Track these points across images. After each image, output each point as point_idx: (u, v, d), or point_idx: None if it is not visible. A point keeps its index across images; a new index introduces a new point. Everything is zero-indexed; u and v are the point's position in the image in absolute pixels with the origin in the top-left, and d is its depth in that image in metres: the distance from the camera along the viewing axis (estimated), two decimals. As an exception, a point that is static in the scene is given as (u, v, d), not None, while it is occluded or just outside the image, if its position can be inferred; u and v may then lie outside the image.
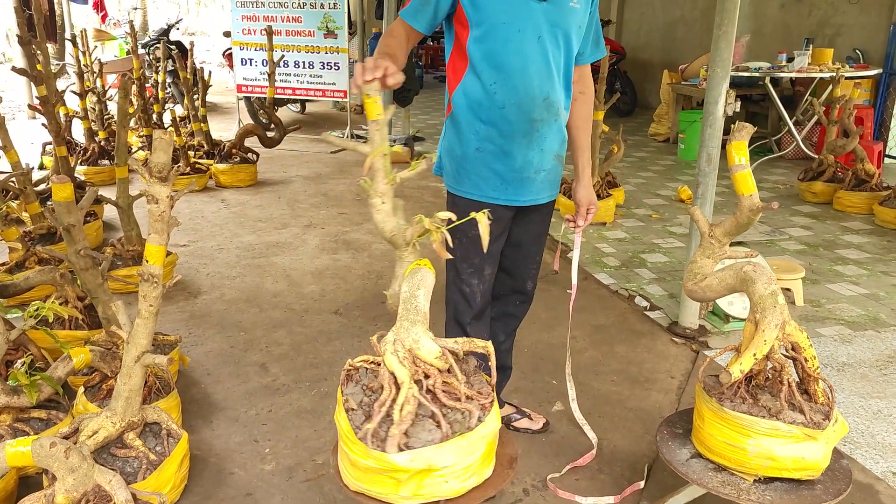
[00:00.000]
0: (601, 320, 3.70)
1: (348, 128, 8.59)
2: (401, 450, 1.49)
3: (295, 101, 10.24)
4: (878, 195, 5.46)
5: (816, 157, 6.18)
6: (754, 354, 1.77)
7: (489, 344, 1.70)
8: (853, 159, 5.73)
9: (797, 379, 1.87)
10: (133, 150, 6.53)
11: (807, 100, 6.98)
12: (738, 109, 3.26)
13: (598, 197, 5.02)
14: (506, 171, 2.17)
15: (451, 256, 1.86)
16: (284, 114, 10.31)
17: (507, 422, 2.68)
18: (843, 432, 1.84)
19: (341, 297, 3.94)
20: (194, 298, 3.90)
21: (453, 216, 1.65)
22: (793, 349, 1.84)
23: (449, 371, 1.62)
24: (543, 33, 2.06)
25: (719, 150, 3.34)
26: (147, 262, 2.09)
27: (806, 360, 1.79)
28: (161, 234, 2.08)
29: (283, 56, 6.67)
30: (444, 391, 1.59)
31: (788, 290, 3.90)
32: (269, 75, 6.55)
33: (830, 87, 6.44)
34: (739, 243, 3.59)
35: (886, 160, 7.22)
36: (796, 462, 1.77)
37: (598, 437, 2.64)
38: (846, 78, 6.44)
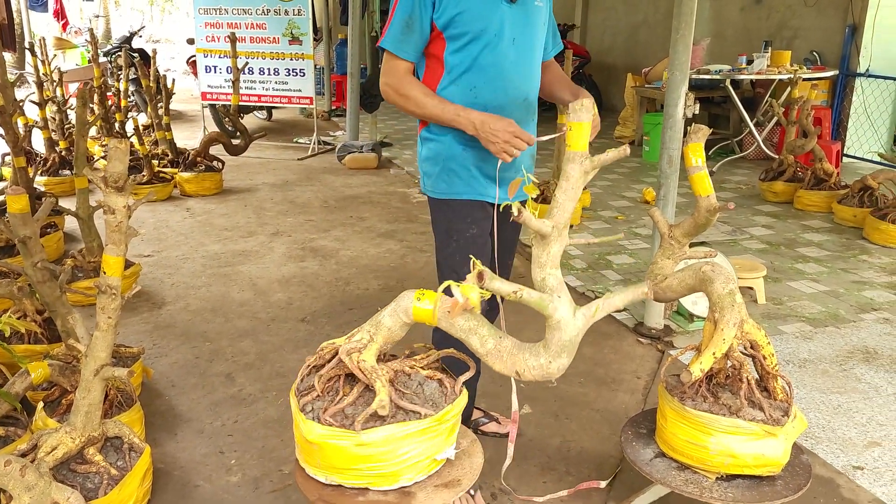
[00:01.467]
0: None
1: (315, 135, 8.55)
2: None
3: (261, 108, 10.17)
4: (836, 194, 5.57)
5: (777, 157, 6.30)
6: (714, 353, 1.79)
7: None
8: (812, 159, 5.85)
9: (756, 376, 1.90)
10: (95, 160, 6.42)
11: (766, 101, 7.11)
12: (697, 112, 3.31)
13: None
14: (491, 170, 2.18)
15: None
16: (251, 121, 10.24)
17: (475, 426, 2.68)
18: (801, 428, 1.87)
19: (308, 305, 3.92)
20: (159, 309, 3.85)
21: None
22: (751, 347, 1.87)
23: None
24: (517, 35, 2.13)
25: (680, 151, 3.39)
26: (105, 273, 2.06)
27: (764, 358, 1.82)
28: (119, 245, 2.05)
29: (247, 63, 6.63)
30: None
31: (751, 288, 3.96)
32: (233, 82, 6.50)
33: (789, 88, 6.57)
34: (702, 243, 3.64)
35: (844, 159, 7.38)
36: (757, 459, 1.80)
37: (566, 439, 2.66)
38: (804, 79, 6.57)
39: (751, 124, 6.93)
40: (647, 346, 3.46)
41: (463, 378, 1.72)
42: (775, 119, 6.54)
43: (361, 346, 1.65)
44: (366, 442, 1.54)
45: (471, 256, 2.18)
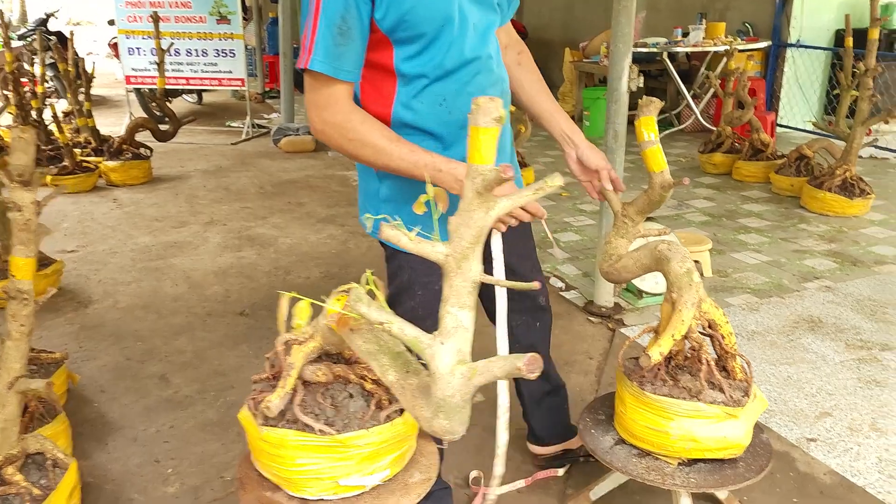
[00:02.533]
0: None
1: (248, 118, 8.25)
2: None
3: (191, 91, 9.78)
4: (773, 164, 5.64)
5: (715, 129, 6.35)
6: (673, 335, 1.73)
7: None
8: (749, 130, 5.90)
9: (715, 356, 1.84)
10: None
11: (702, 74, 7.16)
12: (641, 84, 3.25)
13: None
14: None
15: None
16: (180, 105, 9.82)
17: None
18: (762, 407, 1.83)
19: (247, 297, 3.74)
20: (84, 308, 3.61)
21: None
22: (710, 327, 1.81)
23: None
24: (475, 20, 1.65)
25: (625, 125, 3.33)
26: (14, 277, 1.87)
27: (723, 337, 1.76)
28: (28, 246, 1.86)
29: (172, 44, 6.30)
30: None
31: (697, 261, 3.96)
32: (158, 65, 6.18)
33: (725, 60, 6.61)
34: (650, 219, 3.59)
35: (778, 129, 7.50)
36: (719, 442, 1.75)
37: (521, 426, 2.58)
38: (739, 51, 6.62)
39: (688, 97, 6.97)
40: (598, 325, 3.41)
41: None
42: (712, 91, 6.58)
43: (301, 340, 1.51)
44: (264, 437, 1.42)
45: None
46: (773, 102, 7.63)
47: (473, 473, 2.31)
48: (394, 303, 1.84)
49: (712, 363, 1.76)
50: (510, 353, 1.92)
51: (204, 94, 10.34)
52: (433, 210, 1.14)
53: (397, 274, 1.82)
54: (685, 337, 1.79)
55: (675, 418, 1.75)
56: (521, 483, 2.27)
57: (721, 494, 2.11)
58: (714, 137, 6.17)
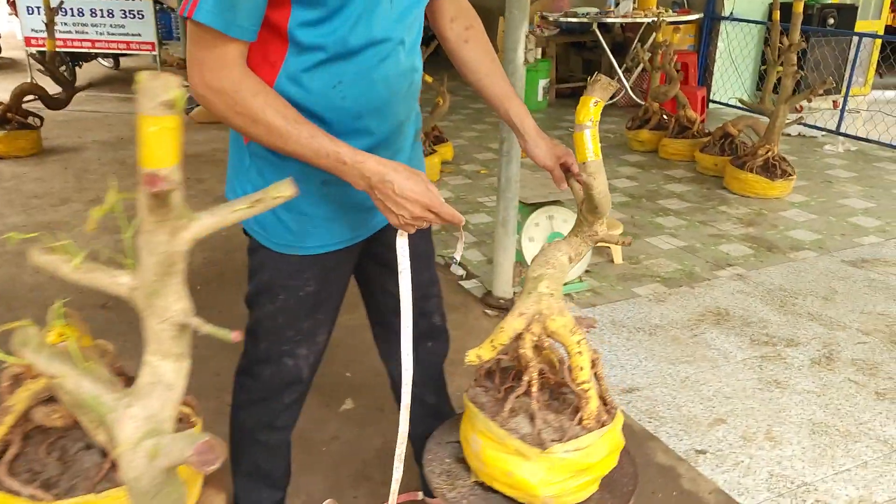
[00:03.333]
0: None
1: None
2: None
3: (106, 55, 9.15)
4: (699, 142, 5.45)
5: (643, 104, 6.13)
6: (492, 342, 1.47)
7: None
8: (678, 106, 5.70)
9: (560, 380, 1.56)
10: None
11: (635, 46, 6.92)
12: (539, 56, 2.97)
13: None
14: (361, 196, 1.35)
15: None
16: (94, 69, 9.22)
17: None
18: (602, 466, 1.50)
19: (115, 287, 3.38)
20: (-76, 300, 3.22)
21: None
22: (559, 361, 1.54)
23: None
24: None
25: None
26: None
27: (570, 371, 1.47)
28: None
29: (62, 2, 5.75)
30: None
31: (608, 247, 3.74)
32: (46, 25, 5.66)
33: (655, 32, 6.39)
34: (556, 202, 3.34)
35: (710, 105, 7.35)
36: (507, 476, 1.44)
37: (389, 438, 2.32)
38: (669, 23, 6.40)
39: (619, 70, 6.73)
40: (494, 319, 3.17)
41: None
42: (642, 66, 6.34)
43: (34, 374, 1.20)
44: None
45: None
46: (705, 77, 7.45)
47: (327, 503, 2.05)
48: (252, 303, 1.57)
49: (534, 388, 1.49)
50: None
51: (122, 59, 9.73)
52: None
53: (258, 271, 1.53)
54: (517, 352, 1.52)
55: (474, 434, 1.50)
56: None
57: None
58: (641, 113, 5.96)
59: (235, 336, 0.83)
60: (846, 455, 2.28)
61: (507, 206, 3.12)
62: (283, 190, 0.85)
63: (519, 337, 1.51)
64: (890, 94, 7.76)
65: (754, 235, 4.09)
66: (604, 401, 1.52)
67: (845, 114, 6.41)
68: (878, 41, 7.58)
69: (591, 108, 1.40)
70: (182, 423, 1.35)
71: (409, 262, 1.48)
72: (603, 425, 1.45)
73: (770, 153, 4.70)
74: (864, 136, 6.15)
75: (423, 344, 1.79)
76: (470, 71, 1.65)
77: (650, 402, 2.54)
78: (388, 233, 1.50)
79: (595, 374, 1.51)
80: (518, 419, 1.48)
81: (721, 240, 4.03)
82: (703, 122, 6.49)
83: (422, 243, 1.68)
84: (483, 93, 1.67)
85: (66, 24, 7.28)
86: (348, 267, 1.63)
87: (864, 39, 7.09)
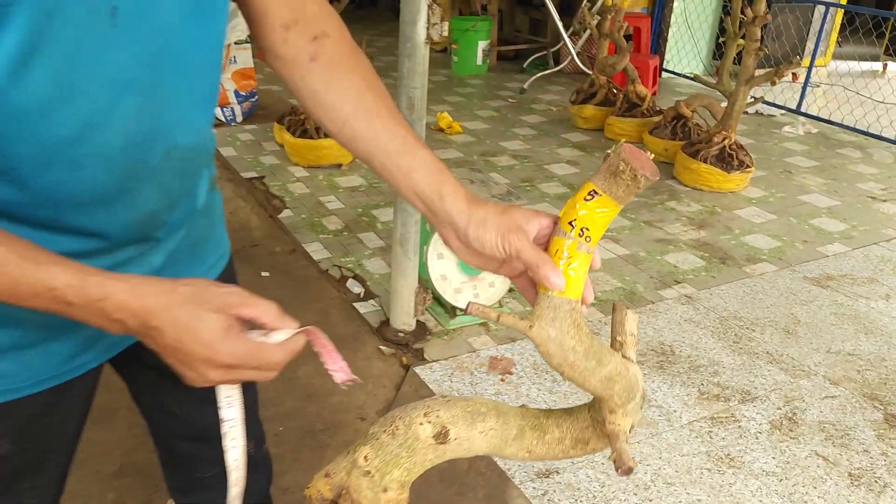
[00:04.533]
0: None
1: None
2: None
3: None
4: (649, 121, 4.87)
5: (591, 74, 5.50)
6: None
7: None
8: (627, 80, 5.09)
9: None
10: None
11: (583, 8, 6.26)
12: (446, 33, 2.31)
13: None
14: None
15: None
16: None
17: None
18: None
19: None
20: None
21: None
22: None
23: None
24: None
25: (425, 89, 2.39)
26: None
27: None
28: None
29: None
30: None
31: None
32: None
33: (605, -7, 5.73)
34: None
35: (664, 75, 6.77)
36: None
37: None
38: (621, -18, 5.74)
39: (564, 34, 6.08)
40: (390, 359, 2.56)
41: None
42: (588, 31, 5.69)
43: None
44: None
45: None
46: (658, 44, 6.85)
47: None
48: None
49: None
50: None
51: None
52: None
53: None
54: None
55: None
56: None
57: None
58: (587, 86, 5.33)
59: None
60: (815, 579, 1.76)
61: (405, 220, 2.48)
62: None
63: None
64: (850, 64, 7.28)
65: (706, 241, 3.55)
66: None
67: (807, 88, 5.90)
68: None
69: (584, 201, 0.74)
70: None
71: (239, 412, 0.87)
72: None
73: (727, 141, 4.14)
74: (827, 118, 5.66)
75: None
76: (324, 111, 0.90)
77: (571, 494, 1.99)
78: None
79: None
80: None
81: (669, 247, 3.47)
82: (654, 94, 5.92)
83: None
84: (354, 148, 0.89)
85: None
86: (79, 399, 0.98)
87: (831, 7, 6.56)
